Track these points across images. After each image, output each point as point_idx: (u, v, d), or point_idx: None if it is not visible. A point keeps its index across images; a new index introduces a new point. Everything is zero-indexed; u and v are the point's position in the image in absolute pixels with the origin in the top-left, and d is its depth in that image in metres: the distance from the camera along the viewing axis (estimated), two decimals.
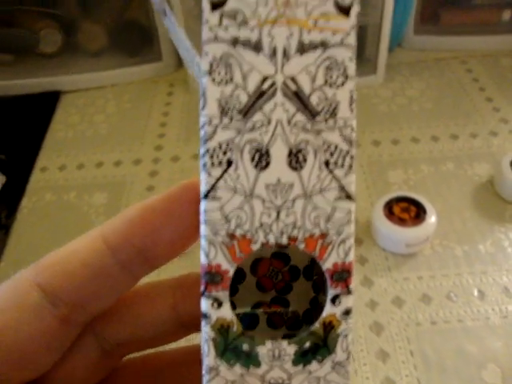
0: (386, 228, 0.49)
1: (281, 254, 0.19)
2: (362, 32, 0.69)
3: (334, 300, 0.15)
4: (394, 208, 0.49)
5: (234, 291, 0.18)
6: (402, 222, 0.48)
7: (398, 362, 0.43)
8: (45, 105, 0.73)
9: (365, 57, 0.71)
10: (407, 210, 0.49)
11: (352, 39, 0.15)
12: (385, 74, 0.71)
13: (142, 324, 0.18)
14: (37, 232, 0.56)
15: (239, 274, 0.19)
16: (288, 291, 0.20)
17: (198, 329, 0.16)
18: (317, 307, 0.18)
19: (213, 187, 0.15)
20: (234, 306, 0.15)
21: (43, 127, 0.70)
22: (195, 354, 0.17)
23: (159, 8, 0.18)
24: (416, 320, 0.45)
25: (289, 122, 0.15)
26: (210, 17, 0.14)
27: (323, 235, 0.15)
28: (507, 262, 0.49)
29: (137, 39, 0.74)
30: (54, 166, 0.64)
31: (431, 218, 0.49)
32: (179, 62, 0.75)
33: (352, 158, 0.15)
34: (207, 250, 0.15)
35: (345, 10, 0.14)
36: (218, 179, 0.15)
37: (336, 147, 0.15)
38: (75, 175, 0.62)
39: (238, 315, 0.15)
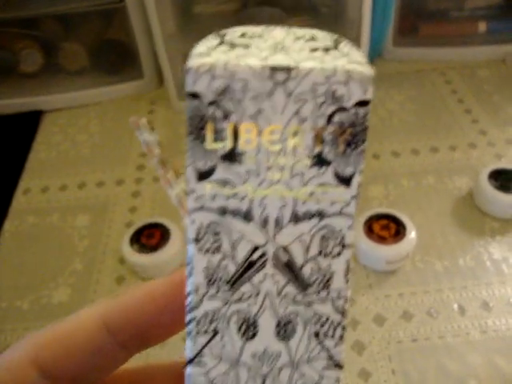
0: (366, 246, 0.49)
1: None
2: None
3: None
4: (374, 226, 0.50)
5: None
6: (381, 239, 0.49)
7: (380, 381, 0.43)
8: (27, 124, 0.73)
9: None
10: (387, 228, 0.50)
11: (352, 208, 0.13)
12: None
13: None
14: (20, 255, 0.56)
15: None
16: None
17: None
18: None
19: (198, 354, 0.14)
20: None
21: (25, 147, 0.70)
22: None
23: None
24: (397, 338, 0.46)
25: (278, 293, 0.14)
26: (197, 187, 0.13)
27: None
28: (486, 275, 0.50)
29: (118, 58, 0.74)
30: (37, 188, 0.64)
31: (411, 234, 0.49)
32: (160, 80, 0.75)
33: (344, 328, 0.14)
34: None
35: (345, 181, 0.13)
36: (204, 346, 0.14)
37: (327, 319, 0.14)
38: (58, 197, 0.62)
39: None
